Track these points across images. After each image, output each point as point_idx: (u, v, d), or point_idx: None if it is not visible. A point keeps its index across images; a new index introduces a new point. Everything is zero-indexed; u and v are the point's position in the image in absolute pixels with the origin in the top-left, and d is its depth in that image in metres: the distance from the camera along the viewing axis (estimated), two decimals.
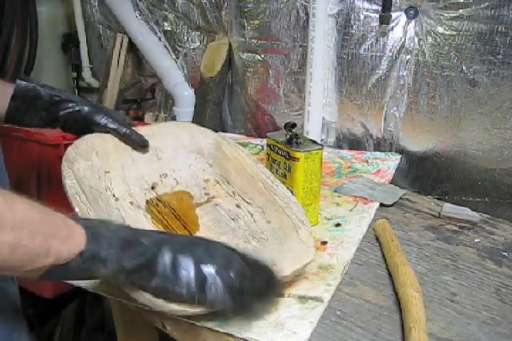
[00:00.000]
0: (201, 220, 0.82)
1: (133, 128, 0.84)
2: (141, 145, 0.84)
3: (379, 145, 1.28)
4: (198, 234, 0.79)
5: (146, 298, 0.58)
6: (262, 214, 0.80)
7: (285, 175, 0.89)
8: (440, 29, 1.09)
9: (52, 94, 0.77)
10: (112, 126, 0.81)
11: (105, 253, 0.50)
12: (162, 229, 0.76)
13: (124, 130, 0.82)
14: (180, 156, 0.88)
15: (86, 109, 0.79)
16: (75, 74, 1.94)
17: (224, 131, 1.49)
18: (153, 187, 0.84)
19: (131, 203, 0.78)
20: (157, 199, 0.82)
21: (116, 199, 0.77)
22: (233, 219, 0.82)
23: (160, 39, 1.58)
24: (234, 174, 0.85)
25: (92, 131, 0.81)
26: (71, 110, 0.78)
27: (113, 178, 0.78)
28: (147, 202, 0.81)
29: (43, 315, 1.41)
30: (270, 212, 0.79)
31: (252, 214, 0.81)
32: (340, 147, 1.32)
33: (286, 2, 1.26)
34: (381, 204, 1.01)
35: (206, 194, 0.86)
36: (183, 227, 0.79)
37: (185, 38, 1.54)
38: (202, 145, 0.89)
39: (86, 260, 0.49)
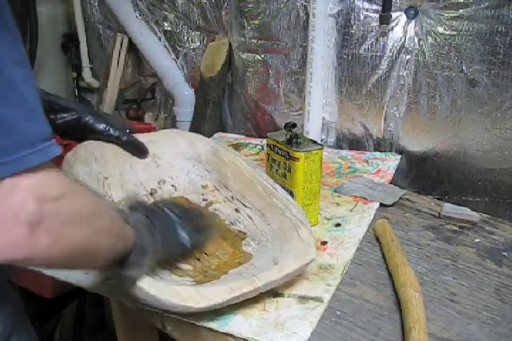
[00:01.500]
0: None
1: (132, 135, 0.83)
2: (141, 152, 0.83)
3: (379, 145, 1.28)
4: None
5: (151, 296, 0.60)
6: (261, 217, 0.80)
7: (285, 175, 0.89)
8: (440, 29, 1.09)
9: (49, 102, 0.75)
10: (113, 134, 0.79)
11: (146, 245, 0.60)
12: None
13: (125, 138, 0.81)
14: (179, 163, 0.89)
15: (86, 117, 0.77)
16: (75, 74, 1.94)
17: (224, 131, 1.49)
18: (151, 193, 0.85)
19: None
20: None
21: None
22: (232, 223, 0.83)
23: (160, 39, 1.58)
24: (232, 179, 0.86)
25: (91, 138, 0.80)
26: (70, 118, 0.76)
27: (111, 184, 0.78)
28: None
29: (43, 315, 1.41)
30: (270, 215, 0.80)
31: (251, 218, 0.82)
32: (340, 147, 1.32)
33: (286, 2, 1.26)
34: (381, 204, 1.01)
35: (204, 200, 0.87)
36: None
37: (185, 38, 1.54)
38: (200, 152, 0.90)
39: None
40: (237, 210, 0.83)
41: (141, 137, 0.85)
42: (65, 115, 0.76)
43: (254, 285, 0.65)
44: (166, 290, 0.62)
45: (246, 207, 0.83)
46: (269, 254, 0.75)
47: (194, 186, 0.87)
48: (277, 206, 0.79)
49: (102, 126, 0.79)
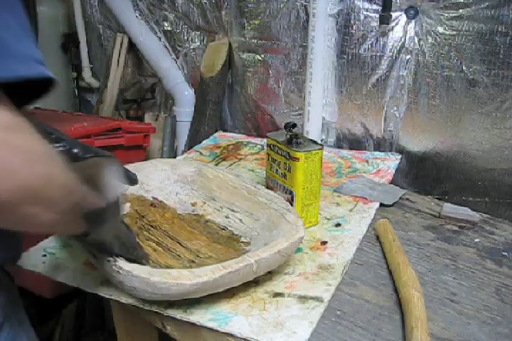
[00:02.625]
0: (195, 235, 0.86)
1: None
2: (130, 180, 0.84)
3: (379, 145, 1.28)
4: (192, 245, 0.83)
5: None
6: (250, 216, 0.86)
7: (285, 175, 0.89)
8: (440, 29, 1.09)
9: (44, 132, 0.75)
10: None
11: None
12: (155, 247, 0.81)
13: None
14: (167, 187, 0.94)
15: (75, 149, 0.77)
16: (75, 74, 1.94)
17: (224, 130, 1.49)
18: (143, 216, 0.88)
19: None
20: (149, 225, 0.87)
21: None
22: (224, 229, 0.87)
23: (160, 39, 1.58)
24: (218, 191, 0.92)
25: None
26: (61, 149, 0.74)
27: None
28: (139, 228, 0.85)
29: (43, 315, 1.41)
30: (257, 212, 0.85)
31: (241, 220, 0.87)
32: (340, 147, 1.32)
33: (286, 2, 1.26)
34: (381, 204, 1.01)
35: (196, 215, 0.91)
36: (178, 243, 0.83)
37: (185, 38, 1.54)
38: (185, 174, 0.96)
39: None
40: (227, 217, 0.89)
41: (126, 167, 0.88)
42: (57, 145, 0.78)
43: (246, 262, 0.67)
44: (156, 272, 0.63)
45: (234, 211, 0.89)
46: (261, 242, 0.78)
47: (184, 205, 0.93)
48: (262, 202, 0.84)
49: (89, 156, 0.80)
